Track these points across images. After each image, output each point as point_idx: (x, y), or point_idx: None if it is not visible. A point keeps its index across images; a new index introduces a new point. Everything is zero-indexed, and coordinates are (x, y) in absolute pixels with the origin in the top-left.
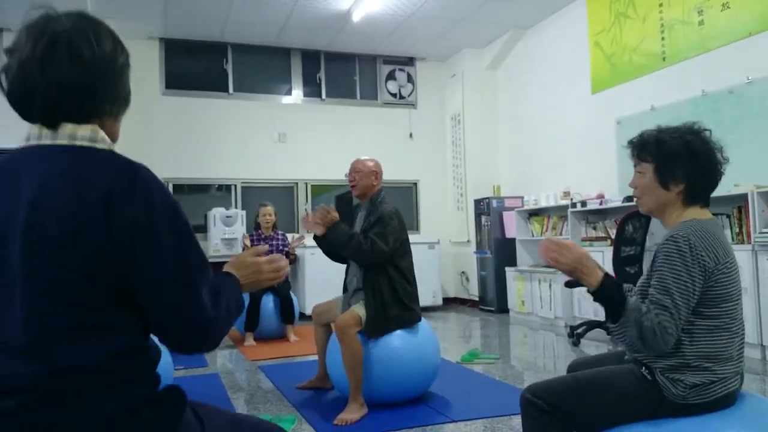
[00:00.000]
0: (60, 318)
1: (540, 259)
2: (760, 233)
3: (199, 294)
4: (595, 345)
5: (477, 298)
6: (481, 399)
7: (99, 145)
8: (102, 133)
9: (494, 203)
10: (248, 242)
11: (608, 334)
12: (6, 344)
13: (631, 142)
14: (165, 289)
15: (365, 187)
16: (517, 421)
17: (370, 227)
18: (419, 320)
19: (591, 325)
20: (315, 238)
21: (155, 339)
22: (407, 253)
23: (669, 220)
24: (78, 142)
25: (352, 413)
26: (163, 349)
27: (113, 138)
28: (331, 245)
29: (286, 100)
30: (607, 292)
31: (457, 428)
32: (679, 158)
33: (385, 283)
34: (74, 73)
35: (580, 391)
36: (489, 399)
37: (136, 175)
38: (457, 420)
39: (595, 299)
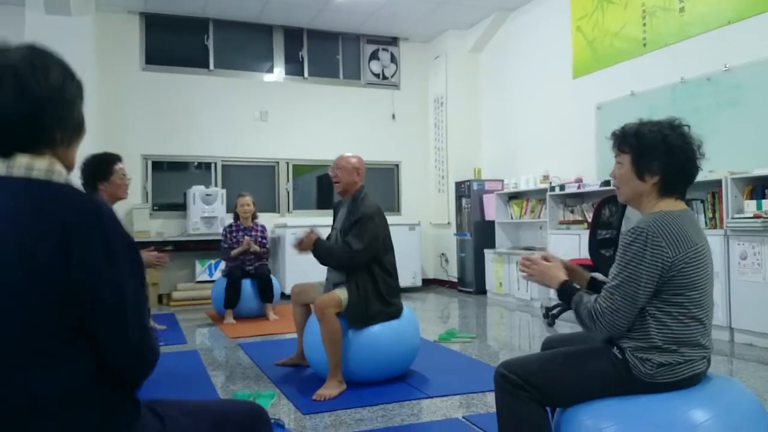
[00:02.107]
0: (16, 347)
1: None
2: (732, 219)
3: (148, 332)
4: (569, 326)
5: (456, 280)
6: (458, 376)
7: (56, 178)
8: (59, 166)
9: (475, 186)
10: (252, 244)
11: None
12: None
13: (613, 134)
14: (121, 326)
15: (347, 183)
16: (491, 397)
17: (349, 227)
18: (400, 314)
19: (565, 306)
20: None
21: None
22: (390, 248)
23: (644, 210)
24: (35, 175)
25: (330, 389)
26: None
27: (68, 165)
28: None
29: (267, 77)
30: (564, 291)
31: (433, 404)
32: (655, 151)
33: (368, 278)
34: (21, 104)
35: (552, 367)
36: (465, 376)
37: (95, 213)
38: (434, 396)
39: (559, 297)
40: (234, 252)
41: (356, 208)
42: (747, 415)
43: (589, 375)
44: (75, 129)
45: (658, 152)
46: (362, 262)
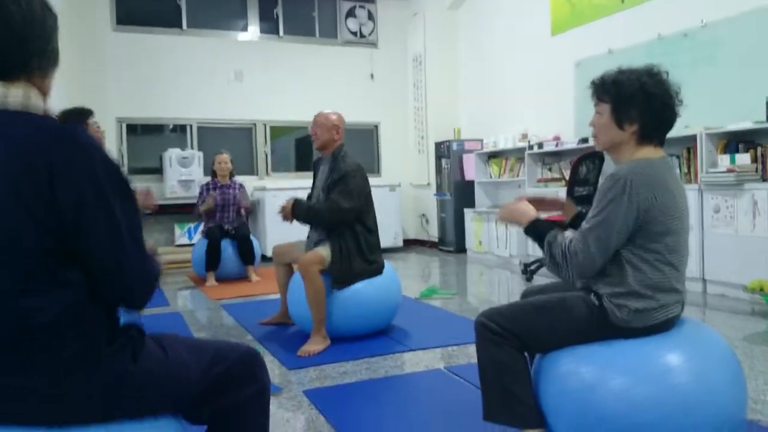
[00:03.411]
0: (14, 276)
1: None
2: (706, 173)
3: (144, 255)
4: (548, 281)
5: (436, 240)
6: (439, 330)
7: (32, 110)
8: (34, 94)
9: (454, 146)
10: (211, 201)
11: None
12: None
13: (592, 83)
14: (117, 252)
15: (327, 141)
16: (472, 349)
17: (333, 185)
18: (382, 271)
19: (543, 262)
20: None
21: None
22: (370, 206)
23: (622, 158)
24: (11, 105)
25: (315, 345)
26: None
27: (44, 93)
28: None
29: (242, 36)
30: (533, 230)
31: (415, 356)
32: (633, 99)
33: (350, 236)
34: (2, 30)
35: (531, 314)
36: (446, 330)
37: (76, 142)
38: (416, 349)
39: (527, 234)
40: (202, 208)
41: (337, 166)
42: (718, 358)
43: (567, 322)
44: (51, 57)
45: (637, 100)
46: (350, 219)
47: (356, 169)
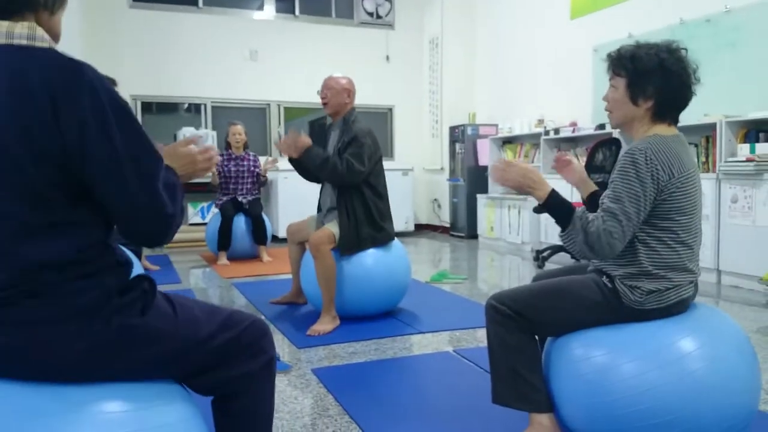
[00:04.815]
0: (25, 218)
1: (494, 183)
2: (725, 162)
3: (156, 189)
4: (560, 267)
5: (448, 225)
6: (448, 314)
7: (38, 44)
8: (41, 31)
9: (469, 130)
10: (214, 170)
11: (563, 250)
12: None
13: (609, 56)
14: (122, 185)
15: (337, 104)
16: (482, 333)
17: (345, 147)
18: (392, 239)
19: (556, 248)
20: (290, 160)
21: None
22: (381, 171)
23: (636, 135)
24: (15, 41)
25: (324, 324)
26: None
27: (54, 36)
28: (306, 168)
29: (257, 15)
30: (554, 203)
31: (424, 339)
32: (651, 75)
33: (358, 202)
34: None
35: (543, 297)
36: (455, 314)
37: (79, 71)
38: (425, 331)
39: (545, 210)
40: (210, 181)
41: (349, 129)
42: (732, 344)
43: (579, 305)
44: None
45: (654, 76)
46: (356, 181)
47: (367, 132)
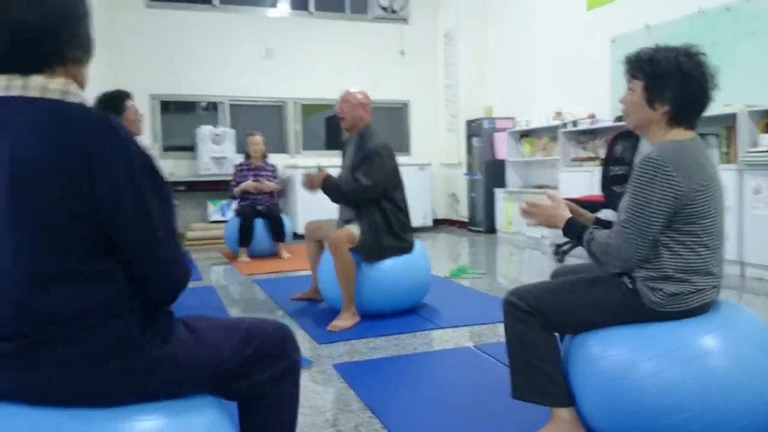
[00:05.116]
0: (54, 267)
1: (522, 219)
2: (746, 152)
3: (177, 244)
4: (579, 262)
5: (466, 219)
6: (468, 309)
7: (71, 98)
8: (74, 86)
9: (486, 124)
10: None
11: None
12: (3, 292)
13: (627, 58)
14: (145, 240)
15: (353, 118)
16: (501, 328)
17: (358, 164)
18: (412, 249)
19: (575, 242)
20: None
21: None
22: (399, 184)
23: (653, 139)
24: (50, 95)
25: (344, 321)
26: None
27: (80, 84)
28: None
29: (272, 13)
30: (568, 230)
31: (444, 334)
32: (668, 79)
33: (379, 215)
34: (35, 17)
35: (561, 294)
36: (475, 309)
37: (113, 133)
38: (445, 327)
39: (566, 235)
40: (236, 189)
41: (363, 145)
42: (756, 341)
43: (598, 303)
44: (86, 46)
45: (672, 81)
46: (371, 197)
47: (381, 147)
